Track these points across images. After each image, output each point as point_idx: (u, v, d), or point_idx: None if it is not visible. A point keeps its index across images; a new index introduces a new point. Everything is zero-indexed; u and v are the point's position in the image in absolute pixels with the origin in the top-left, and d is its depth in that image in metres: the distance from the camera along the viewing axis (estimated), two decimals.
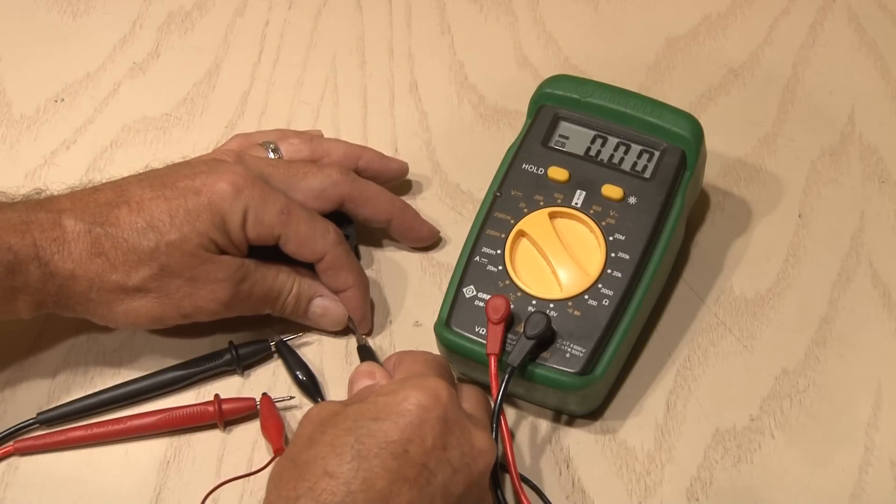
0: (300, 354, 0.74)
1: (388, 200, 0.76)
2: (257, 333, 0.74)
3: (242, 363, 0.73)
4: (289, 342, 0.74)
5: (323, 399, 0.72)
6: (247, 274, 0.70)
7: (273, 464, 0.67)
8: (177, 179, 0.69)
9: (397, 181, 0.80)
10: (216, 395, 0.71)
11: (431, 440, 0.60)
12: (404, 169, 0.80)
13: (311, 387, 0.72)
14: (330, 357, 0.74)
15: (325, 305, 0.73)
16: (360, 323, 0.74)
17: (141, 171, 0.72)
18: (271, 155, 0.76)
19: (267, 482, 0.61)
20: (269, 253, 0.72)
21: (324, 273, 0.72)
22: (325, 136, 0.81)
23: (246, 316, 0.73)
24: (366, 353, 0.73)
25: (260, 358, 0.74)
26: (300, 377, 0.72)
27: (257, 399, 0.71)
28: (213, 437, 0.71)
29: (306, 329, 0.75)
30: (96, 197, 0.69)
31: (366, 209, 0.75)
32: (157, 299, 0.69)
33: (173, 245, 0.67)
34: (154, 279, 0.68)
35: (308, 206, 0.72)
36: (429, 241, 0.79)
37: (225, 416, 0.70)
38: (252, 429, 0.71)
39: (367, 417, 0.60)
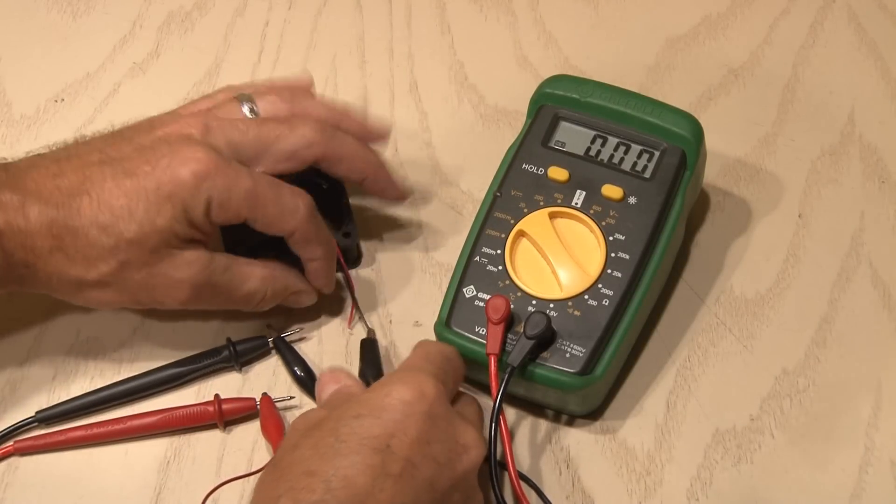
0: (299, 351, 0.74)
1: (363, 160, 0.74)
2: (256, 329, 0.74)
3: (241, 359, 0.73)
4: (287, 338, 0.74)
5: None
6: (210, 276, 0.69)
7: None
8: (139, 165, 0.67)
9: (382, 143, 0.78)
10: (216, 395, 0.71)
11: (415, 434, 0.59)
12: (386, 132, 0.78)
13: (309, 383, 0.72)
14: (329, 354, 0.74)
15: (295, 300, 0.73)
16: (323, 288, 0.73)
17: (106, 133, 0.70)
18: (246, 112, 0.72)
19: (253, 489, 0.61)
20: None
21: (292, 244, 0.71)
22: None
23: (244, 312, 0.73)
24: (368, 347, 0.73)
25: (258, 354, 0.74)
26: (298, 373, 0.72)
27: (257, 399, 0.71)
28: (213, 437, 0.71)
29: (304, 322, 0.75)
30: (59, 183, 0.67)
31: (340, 168, 0.73)
32: (116, 292, 0.68)
33: (133, 242, 0.66)
34: (113, 275, 0.67)
35: (279, 168, 0.70)
36: (398, 201, 0.78)
37: (225, 416, 0.70)
38: (252, 429, 0.71)
39: (350, 416, 0.60)
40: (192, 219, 0.67)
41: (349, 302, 0.76)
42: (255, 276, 0.71)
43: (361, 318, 0.75)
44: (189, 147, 0.68)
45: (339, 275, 0.76)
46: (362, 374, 0.72)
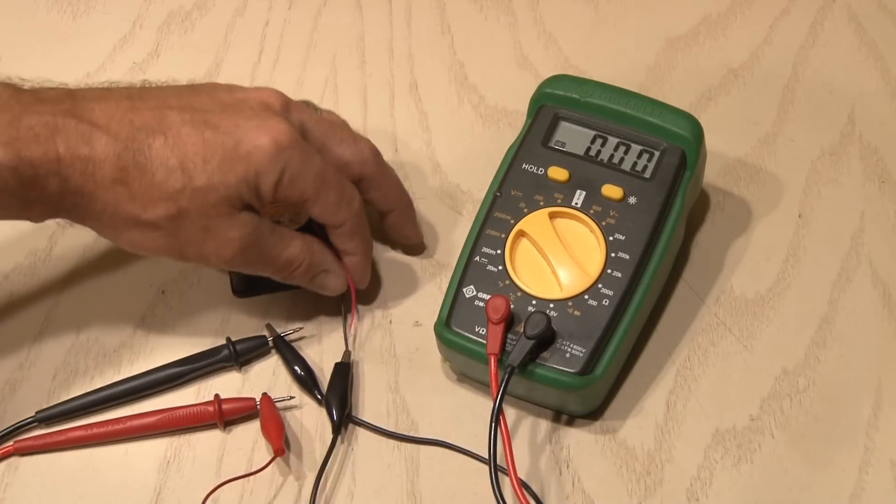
0: (298, 349, 0.74)
1: (397, 194, 0.76)
2: (256, 329, 0.74)
3: (240, 359, 0.73)
4: (287, 338, 0.74)
5: (322, 395, 0.72)
6: (258, 239, 0.69)
7: None
8: (220, 119, 0.67)
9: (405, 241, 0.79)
10: (216, 395, 0.71)
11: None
12: (415, 238, 0.79)
13: (309, 382, 0.72)
14: (329, 353, 0.74)
15: (328, 280, 0.73)
16: (359, 283, 0.74)
17: (181, 85, 0.71)
18: (312, 110, 0.74)
19: None
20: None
21: (337, 236, 0.72)
22: None
23: (244, 312, 0.73)
24: (339, 372, 0.72)
25: (258, 354, 0.74)
26: (298, 372, 0.72)
27: (257, 399, 0.71)
28: (213, 437, 0.71)
29: (304, 322, 0.75)
30: (133, 118, 0.66)
31: (374, 193, 0.74)
32: (164, 237, 0.67)
33: (199, 191, 0.66)
34: (168, 220, 0.66)
35: None
36: (413, 242, 0.78)
37: (225, 416, 0.70)
38: (252, 429, 0.71)
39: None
40: (261, 186, 0.67)
41: (349, 304, 0.76)
42: (296, 242, 0.71)
43: (345, 331, 0.75)
44: (272, 117, 0.68)
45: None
46: (326, 399, 0.71)
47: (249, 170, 0.66)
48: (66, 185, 0.65)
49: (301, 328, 0.75)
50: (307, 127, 0.71)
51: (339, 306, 0.75)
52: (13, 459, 0.70)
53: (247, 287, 0.76)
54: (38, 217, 0.67)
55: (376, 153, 0.74)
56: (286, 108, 0.70)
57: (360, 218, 0.72)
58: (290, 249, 0.71)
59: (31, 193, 0.64)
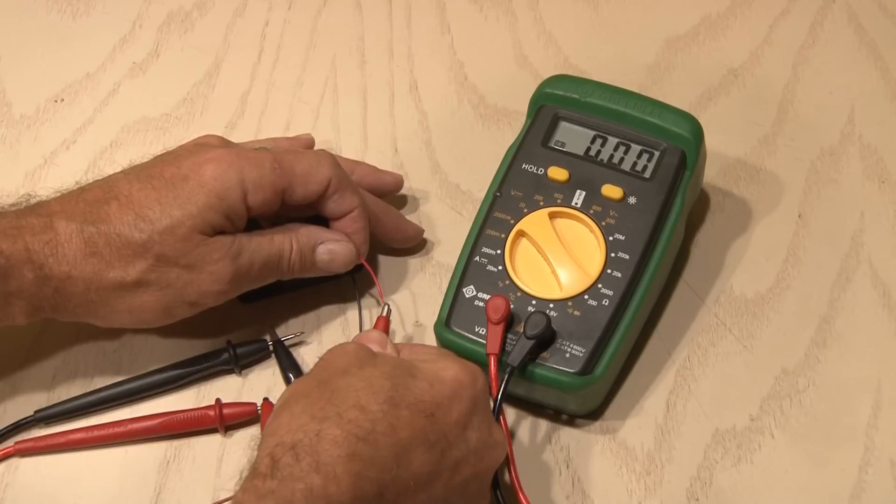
0: (297, 356, 0.74)
1: (371, 200, 0.75)
2: (257, 333, 0.74)
3: (240, 363, 0.73)
4: (287, 342, 0.74)
5: None
6: (241, 247, 0.69)
7: (294, 381, 0.68)
8: (162, 169, 0.68)
9: (393, 194, 0.80)
10: (217, 400, 0.71)
11: (457, 414, 0.61)
12: (399, 182, 0.80)
13: None
14: None
15: (330, 249, 0.72)
16: (361, 246, 0.73)
17: (126, 168, 0.71)
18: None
19: (285, 397, 0.61)
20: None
21: (331, 199, 0.72)
22: (326, 138, 0.80)
23: (245, 316, 0.73)
24: None
25: (258, 357, 0.74)
26: (293, 380, 0.72)
27: (258, 404, 0.71)
28: (213, 437, 0.71)
29: (307, 307, 0.75)
30: (84, 196, 0.68)
31: (343, 204, 0.73)
32: (159, 291, 0.68)
33: (166, 232, 0.67)
34: (151, 270, 0.67)
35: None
36: (416, 239, 0.78)
37: (226, 421, 0.70)
38: (252, 430, 0.71)
39: (405, 373, 0.61)
40: (230, 205, 0.68)
41: (350, 305, 0.76)
42: (276, 235, 0.71)
43: (360, 320, 0.75)
44: (211, 149, 0.70)
45: (348, 278, 0.76)
46: None
47: (210, 196, 0.67)
48: (41, 272, 0.66)
49: (302, 333, 0.74)
50: (258, 148, 0.71)
51: (341, 309, 0.75)
52: (13, 459, 0.70)
53: (253, 293, 0.76)
54: (20, 315, 0.67)
55: (336, 164, 0.72)
56: (224, 142, 0.72)
57: (340, 168, 0.71)
58: (274, 242, 0.71)
59: (8, 286, 0.66)
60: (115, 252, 0.67)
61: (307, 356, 0.74)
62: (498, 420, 0.65)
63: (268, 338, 0.74)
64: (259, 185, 0.69)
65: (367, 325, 0.75)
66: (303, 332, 0.75)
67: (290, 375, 0.72)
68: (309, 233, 0.72)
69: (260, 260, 0.70)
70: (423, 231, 0.78)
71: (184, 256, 0.67)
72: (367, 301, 0.76)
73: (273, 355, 0.74)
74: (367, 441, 0.57)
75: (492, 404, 0.66)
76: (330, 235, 0.72)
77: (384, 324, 0.71)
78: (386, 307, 0.72)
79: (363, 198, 0.73)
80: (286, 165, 0.70)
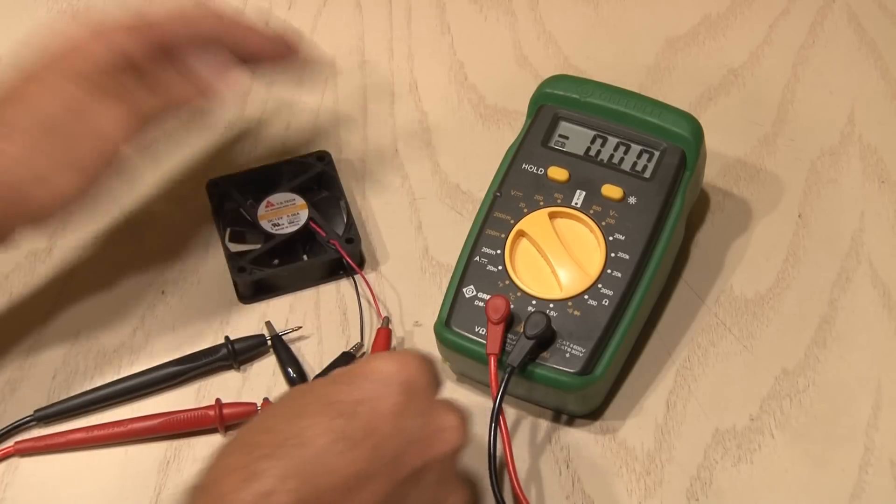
0: (296, 351, 0.74)
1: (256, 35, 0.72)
2: (256, 329, 0.74)
3: (239, 358, 0.73)
4: (286, 337, 0.74)
5: None
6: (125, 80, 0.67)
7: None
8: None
9: (283, 60, 0.75)
10: (217, 400, 0.71)
11: (389, 405, 0.57)
12: (293, 47, 0.74)
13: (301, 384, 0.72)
14: (329, 354, 0.74)
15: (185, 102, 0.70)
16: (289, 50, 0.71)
17: None
18: None
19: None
20: None
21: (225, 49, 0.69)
22: (326, 137, 0.80)
23: (244, 313, 0.73)
24: (342, 361, 0.72)
25: (257, 353, 0.74)
26: (291, 374, 0.72)
27: (258, 403, 0.71)
28: (213, 437, 0.71)
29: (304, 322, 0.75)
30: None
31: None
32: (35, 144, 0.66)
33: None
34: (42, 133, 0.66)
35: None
36: (294, 53, 0.74)
37: (226, 421, 0.70)
38: None
39: (326, 382, 0.59)
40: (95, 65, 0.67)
41: (349, 305, 0.76)
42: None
43: (361, 322, 0.75)
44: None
45: (348, 279, 0.76)
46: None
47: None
48: None
49: (300, 327, 0.75)
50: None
51: (341, 307, 0.76)
52: (13, 459, 0.70)
53: (253, 293, 0.76)
54: None
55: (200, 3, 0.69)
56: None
57: (205, 9, 0.69)
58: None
59: None
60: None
61: (306, 351, 0.74)
62: (498, 420, 0.65)
63: (266, 332, 0.74)
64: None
65: (368, 325, 0.75)
66: (301, 327, 0.75)
67: (290, 370, 0.72)
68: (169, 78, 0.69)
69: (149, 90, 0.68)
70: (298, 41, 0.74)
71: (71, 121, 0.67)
72: (367, 301, 0.76)
73: (272, 351, 0.74)
74: (275, 457, 0.55)
75: (491, 404, 0.66)
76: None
77: (385, 337, 0.71)
78: (385, 319, 0.73)
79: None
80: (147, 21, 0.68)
